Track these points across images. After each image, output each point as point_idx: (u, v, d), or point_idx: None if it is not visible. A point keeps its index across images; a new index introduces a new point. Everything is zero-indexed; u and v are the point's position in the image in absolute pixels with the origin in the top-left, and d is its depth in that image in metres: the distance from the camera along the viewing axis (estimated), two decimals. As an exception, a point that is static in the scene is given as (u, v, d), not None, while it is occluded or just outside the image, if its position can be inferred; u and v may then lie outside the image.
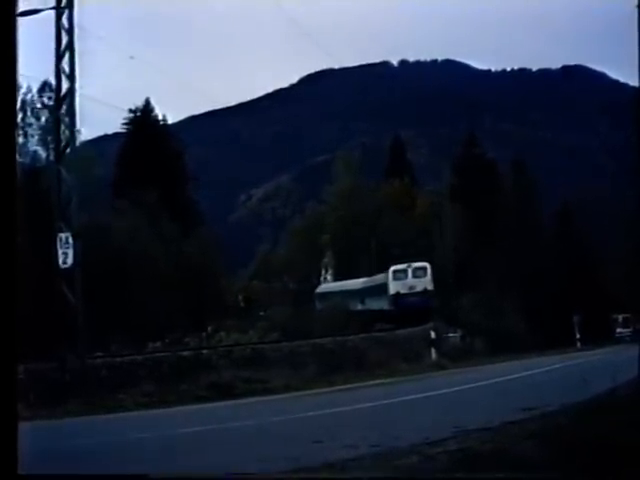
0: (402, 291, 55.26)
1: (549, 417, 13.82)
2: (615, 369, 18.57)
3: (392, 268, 57.56)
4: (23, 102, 54.92)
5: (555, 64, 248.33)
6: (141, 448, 12.96)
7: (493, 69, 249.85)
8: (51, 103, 44.24)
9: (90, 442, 14.50)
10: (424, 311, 51.30)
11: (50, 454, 11.49)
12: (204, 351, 27.71)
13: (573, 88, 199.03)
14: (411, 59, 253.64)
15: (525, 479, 10.06)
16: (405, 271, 56.75)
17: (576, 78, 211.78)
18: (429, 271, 56.82)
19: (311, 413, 17.86)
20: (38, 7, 27.25)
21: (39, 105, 55.64)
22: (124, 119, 65.66)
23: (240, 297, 61.96)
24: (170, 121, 74.89)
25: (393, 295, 55.78)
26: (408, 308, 52.20)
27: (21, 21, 26.36)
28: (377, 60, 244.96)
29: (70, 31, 27.50)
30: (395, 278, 56.97)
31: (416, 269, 56.71)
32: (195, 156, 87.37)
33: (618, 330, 69.59)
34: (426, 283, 56.01)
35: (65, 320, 26.85)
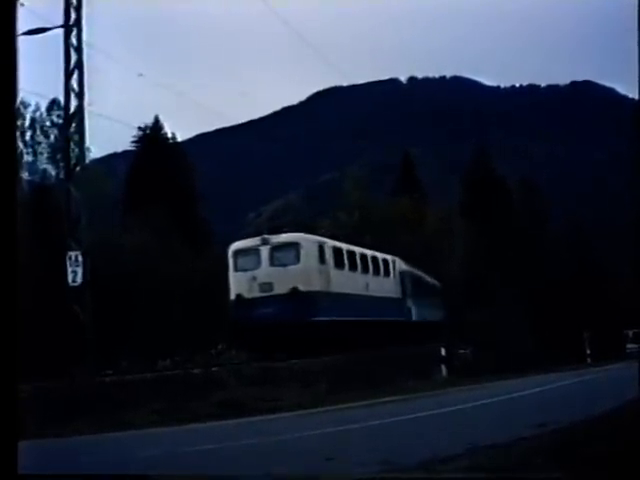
0: (247, 294, 32.55)
1: (560, 432, 13.79)
2: (623, 385, 18.55)
3: (233, 246, 34.68)
4: (32, 120, 55.34)
5: (563, 80, 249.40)
6: (151, 465, 12.89)
7: (502, 85, 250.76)
8: (60, 121, 44.47)
9: (98, 459, 14.44)
10: (296, 333, 30.72)
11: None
12: (214, 369, 27.65)
13: (582, 104, 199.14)
14: (419, 76, 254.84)
15: (525, 479, 10.02)
16: (256, 252, 33.30)
17: (584, 94, 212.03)
18: (314, 251, 33.81)
19: (322, 430, 17.78)
20: (46, 26, 27.44)
21: (48, 123, 55.88)
22: (133, 137, 66.01)
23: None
24: (179, 139, 75.24)
25: (234, 301, 33.14)
26: (258, 325, 31.52)
27: (30, 40, 26.52)
28: (385, 77, 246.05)
29: (79, 49, 27.66)
30: (238, 267, 33.70)
31: (279, 248, 33.18)
32: (204, 173, 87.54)
33: (628, 346, 69.41)
34: (299, 276, 32.58)
35: (75, 338, 26.96)
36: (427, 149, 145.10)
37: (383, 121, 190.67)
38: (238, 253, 33.99)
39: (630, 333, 71.36)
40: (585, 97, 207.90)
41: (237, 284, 33.27)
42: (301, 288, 32.06)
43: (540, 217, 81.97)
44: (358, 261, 38.21)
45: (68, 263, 27.36)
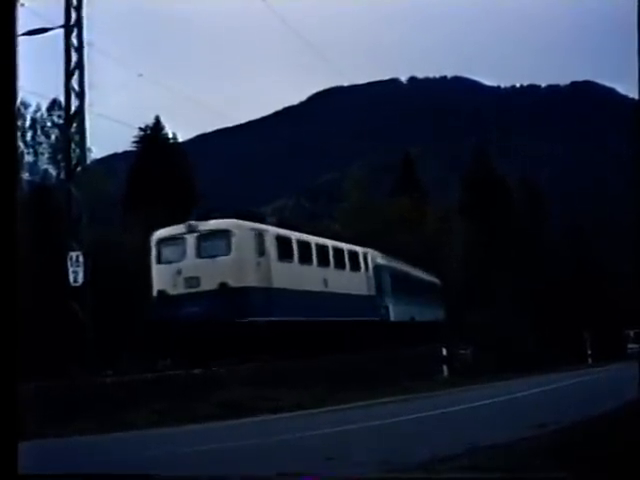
0: (171, 290, 28.45)
1: (560, 433, 13.82)
2: (624, 386, 18.58)
3: (156, 235, 30.26)
4: (33, 120, 55.33)
5: (564, 80, 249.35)
6: (151, 466, 12.89)
7: (502, 85, 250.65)
8: (61, 122, 44.49)
9: (98, 460, 14.42)
10: (227, 335, 26.84)
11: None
12: (214, 369, 27.58)
13: (582, 104, 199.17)
14: (420, 76, 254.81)
15: (527, 479, 10.01)
16: (181, 241, 29.21)
17: (585, 94, 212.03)
18: (249, 241, 29.35)
19: (322, 431, 17.79)
20: (47, 26, 27.49)
21: (49, 123, 55.88)
22: (134, 137, 65.95)
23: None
24: (180, 139, 75.16)
25: (156, 298, 29.07)
26: (182, 327, 27.40)
27: (30, 40, 26.55)
28: (386, 77, 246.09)
29: (79, 49, 27.71)
30: (161, 259, 29.62)
31: (207, 236, 29.08)
32: (205, 174, 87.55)
33: (629, 346, 69.39)
34: (229, 269, 28.34)
35: (76, 338, 26.98)
36: (427, 149, 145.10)
37: (383, 121, 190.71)
38: (161, 242, 29.73)
39: (631, 333, 71.34)
40: (585, 97, 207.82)
41: (160, 278, 29.09)
42: (231, 283, 27.92)
43: (540, 216, 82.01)
44: (314, 253, 33.97)
45: (69, 263, 27.38)
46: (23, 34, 25.28)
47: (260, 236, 29.77)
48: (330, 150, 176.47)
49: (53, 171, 55.14)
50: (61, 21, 27.64)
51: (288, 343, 29.17)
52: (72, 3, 27.63)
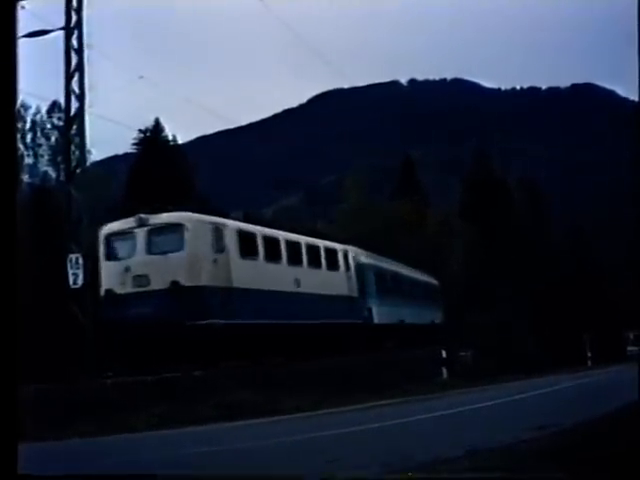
0: (119, 289, 26.00)
1: (560, 435, 13.83)
2: (624, 388, 18.60)
3: (104, 229, 27.85)
4: (33, 122, 55.29)
5: (564, 83, 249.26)
6: (151, 468, 12.89)
7: (502, 87, 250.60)
8: (61, 123, 44.47)
9: (104, 463, 14.41)
10: (180, 338, 24.69)
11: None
12: (214, 371, 27.50)
13: (583, 106, 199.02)
14: (420, 78, 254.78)
15: (526, 479, 10.02)
16: (131, 235, 26.73)
17: (585, 96, 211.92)
18: (205, 236, 26.81)
19: (322, 433, 17.78)
20: (47, 28, 27.51)
21: (49, 125, 55.85)
22: (134, 139, 65.87)
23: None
24: (180, 141, 75.07)
25: (103, 298, 26.64)
26: (131, 329, 25.05)
27: (31, 42, 26.55)
28: (386, 79, 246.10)
29: (79, 51, 27.71)
30: (109, 255, 27.18)
31: (158, 231, 26.66)
32: (205, 176, 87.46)
33: (629, 348, 69.34)
34: (181, 267, 25.86)
35: (76, 340, 26.92)
36: (428, 151, 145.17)
37: (383, 123, 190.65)
38: (110, 237, 27.25)
39: (631, 335, 71.30)
40: (586, 99, 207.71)
41: (107, 276, 26.64)
42: (183, 282, 25.43)
43: (540, 218, 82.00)
44: (283, 250, 31.17)
45: (69, 265, 27.38)
46: (23, 36, 25.30)
47: (218, 230, 27.41)
48: (330, 152, 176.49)
49: (53, 173, 55.14)
50: (61, 23, 27.69)
51: (252, 348, 27.46)
52: (72, 5, 27.66)
